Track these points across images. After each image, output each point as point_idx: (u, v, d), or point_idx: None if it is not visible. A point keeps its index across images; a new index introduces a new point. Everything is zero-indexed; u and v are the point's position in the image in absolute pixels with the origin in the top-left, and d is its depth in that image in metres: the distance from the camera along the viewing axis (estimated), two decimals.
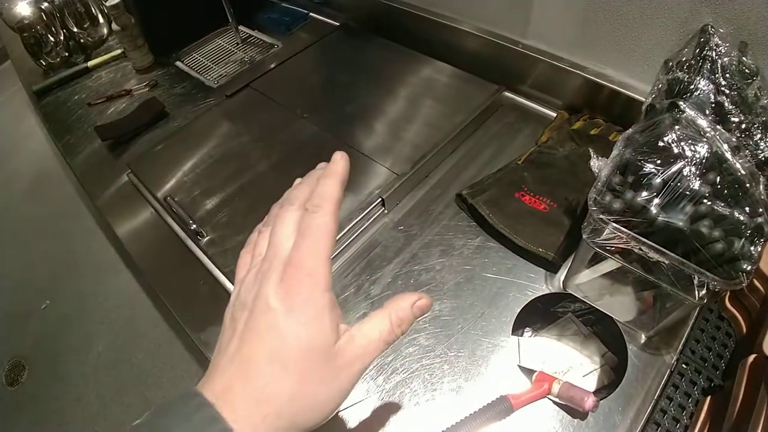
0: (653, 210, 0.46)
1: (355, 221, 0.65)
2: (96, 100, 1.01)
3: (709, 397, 0.51)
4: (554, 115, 0.77)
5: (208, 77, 0.98)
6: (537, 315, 0.60)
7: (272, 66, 0.93)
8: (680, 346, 0.54)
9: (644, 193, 0.47)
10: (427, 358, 0.54)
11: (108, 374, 1.33)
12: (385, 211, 0.68)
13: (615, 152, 0.54)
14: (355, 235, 0.66)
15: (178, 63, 1.04)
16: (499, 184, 0.67)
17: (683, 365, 0.53)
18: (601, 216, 0.48)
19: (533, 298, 0.58)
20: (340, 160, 0.35)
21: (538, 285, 0.59)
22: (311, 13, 1.09)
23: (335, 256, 0.64)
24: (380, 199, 0.66)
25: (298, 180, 0.39)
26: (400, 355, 0.55)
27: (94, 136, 0.90)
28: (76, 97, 1.04)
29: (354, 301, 0.60)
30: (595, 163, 0.56)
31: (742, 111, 0.57)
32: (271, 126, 0.81)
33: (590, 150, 0.56)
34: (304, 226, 0.31)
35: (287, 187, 0.39)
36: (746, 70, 0.59)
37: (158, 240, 0.71)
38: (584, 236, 0.50)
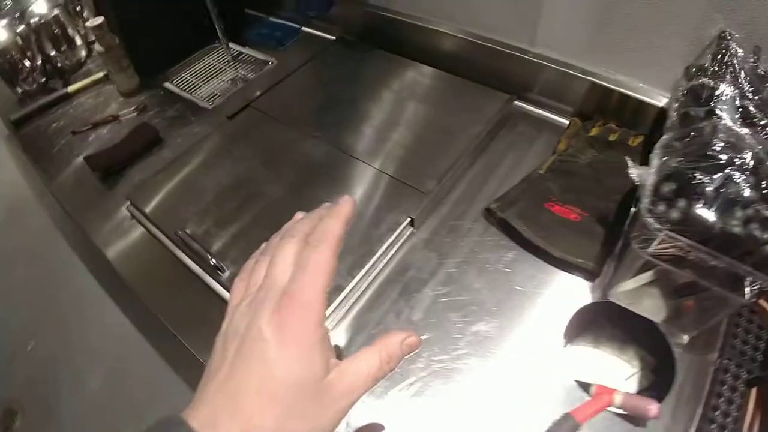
0: (711, 218, 0.44)
1: (386, 243, 0.60)
2: (80, 128, 0.92)
3: (754, 389, 0.51)
4: (566, 122, 0.75)
5: (201, 97, 0.91)
6: (581, 326, 0.57)
7: (272, 84, 0.87)
8: (720, 344, 0.53)
9: (699, 202, 0.45)
10: (480, 382, 0.51)
11: (103, 412, 1.23)
12: (414, 231, 0.64)
13: (656, 161, 0.52)
14: (387, 258, 0.61)
15: (167, 84, 0.96)
16: (527, 195, 0.64)
17: (725, 361, 0.52)
18: (657, 226, 0.46)
19: (578, 309, 0.55)
20: (347, 203, 0.34)
21: (579, 295, 0.56)
22: (303, 28, 1.03)
23: (371, 281, 0.60)
24: (409, 219, 0.62)
25: (299, 214, 0.39)
26: (451, 380, 0.51)
27: (82, 167, 0.82)
28: (56, 125, 0.95)
29: (395, 327, 0.55)
30: (635, 172, 0.53)
31: (765, 114, 0.56)
32: (280, 147, 0.75)
33: (627, 158, 0.54)
34: (303, 259, 0.31)
35: (306, 211, 0.39)
36: (763, 74, 0.59)
37: (171, 279, 0.64)
38: (635, 246, 0.48)
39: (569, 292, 0.57)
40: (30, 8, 1.02)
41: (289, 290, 0.29)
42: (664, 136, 0.55)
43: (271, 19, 1.08)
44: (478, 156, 0.72)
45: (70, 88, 1.01)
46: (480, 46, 0.79)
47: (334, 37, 0.98)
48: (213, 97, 0.91)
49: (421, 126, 0.75)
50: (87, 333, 1.39)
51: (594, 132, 0.70)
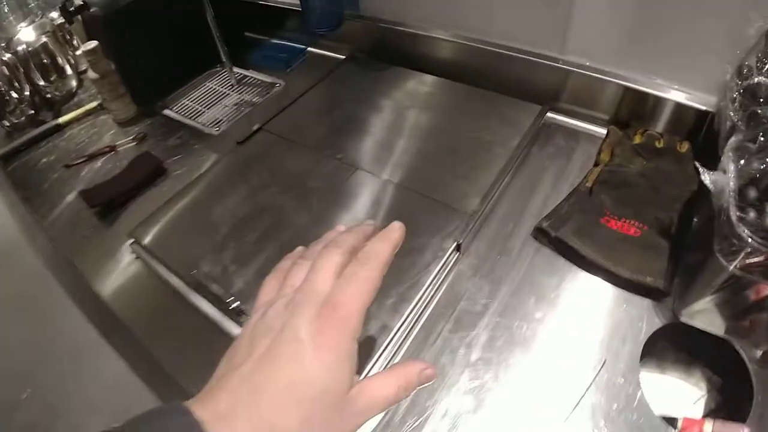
0: None
1: (433, 273, 0.52)
2: (74, 161, 0.83)
3: None
4: (601, 131, 0.69)
5: (205, 124, 0.84)
6: (651, 354, 0.50)
7: (283, 106, 0.80)
8: None
9: None
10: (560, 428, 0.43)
11: None
12: (461, 257, 0.56)
13: (731, 165, 0.46)
14: (434, 289, 0.53)
15: (167, 111, 0.88)
16: (579, 211, 0.57)
17: None
18: (749, 235, 0.39)
19: (651, 334, 0.48)
20: (398, 230, 0.33)
21: (647, 318, 0.49)
22: (309, 48, 0.97)
23: (417, 317, 0.52)
24: (455, 244, 0.54)
25: (341, 227, 0.37)
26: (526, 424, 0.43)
27: (77, 203, 0.73)
28: (47, 159, 0.85)
29: (452, 371, 0.47)
30: (710, 178, 0.47)
31: None
32: (299, 171, 0.67)
33: (696, 164, 0.48)
34: (350, 272, 0.30)
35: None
36: None
37: (183, 326, 0.55)
38: (720, 258, 0.42)
39: (637, 315, 0.49)
40: (17, 36, 0.94)
41: (332, 300, 0.28)
42: (733, 139, 0.49)
43: (273, 41, 1.01)
44: (516, 171, 0.65)
45: (62, 119, 0.92)
46: (506, 56, 0.73)
47: (344, 56, 0.92)
48: (218, 122, 0.83)
49: (453, 142, 0.68)
50: (85, 383, 1.26)
51: (638, 140, 0.64)
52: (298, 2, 0.82)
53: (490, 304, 0.52)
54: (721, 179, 0.47)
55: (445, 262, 0.54)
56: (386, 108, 0.77)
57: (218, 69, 0.94)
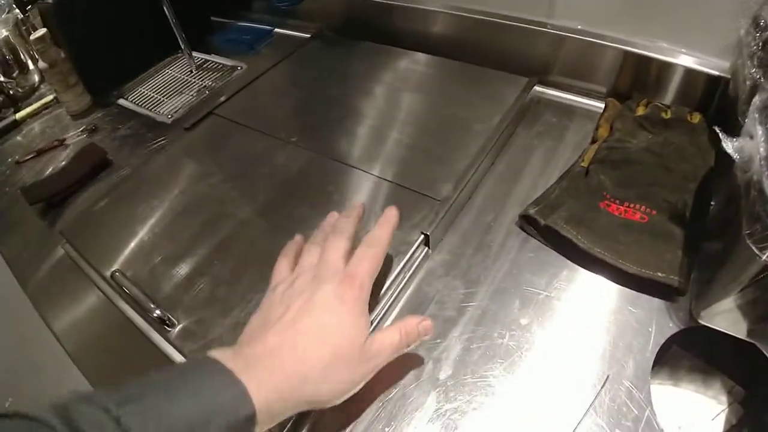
0: None
1: (396, 271, 0.42)
2: (24, 157, 0.74)
3: None
4: (599, 105, 0.58)
5: (160, 112, 0.74)
6: (662, 362, 0.39)
7: (238, 88, 0.70)
8: None
9: None
10: None
11: None
12: (429, 252, 0.45)
13: (759, 129, 0.35)
14: (397, 290, 0.43)
15: (122, 101, 0.78)
16: (574, 194, 0.46)
17: None
18: None
19: (666, 340, 0.37)
20: (394, 215, 0.40)
21: (658, 320, 0.38)
22: (276, 29, 0.86)
23: (377, 324, 0.41)
24: (423, 236, 0.44)
25: (333, 213, 0.43)
26: None
27: (23, 201, 0.64)
28: (9, 160, 0.76)
29: (416, 392, 0.36)
30: (732, 145, 0.37)
31: None
32: (249, 158, 0.57)
33: (716, 130, 0.37)
34: (361, 254, 0.37)
35: (284, 236, 0.43)
36: None
37: (108, 336, 0.45)
38: (753, 246, 0.31)
39: (646, 319, 0.38)
40: None
41: (350, 272, 0.35)
42: (757, 98, 0.38)
43: (240, 23, 0.91)
44: (499, 153, 0.54)
45: (18, 115, 0.83)
46: (487, 23, 0.62)
47: (310, 35, 0.81)
48: (174, 110, 0.73)
49: (426, 121, 0.57)
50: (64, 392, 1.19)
51: (641, 111, 0.53)
52: None
53: (465, 309, 0.41)
54: (748, 145, 0.36)
55: (410, 258, 0.43)
56: (352, 86, 0.66)
57: (180, 55, 0.84)
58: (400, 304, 0.42)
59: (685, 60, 0.53)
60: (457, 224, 0.48)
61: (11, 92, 0.92)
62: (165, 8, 0.75)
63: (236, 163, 0.57)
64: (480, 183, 0.51)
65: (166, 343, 0.41)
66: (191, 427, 0.25)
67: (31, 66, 0.94)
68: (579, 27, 0.57)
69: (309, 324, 0.32)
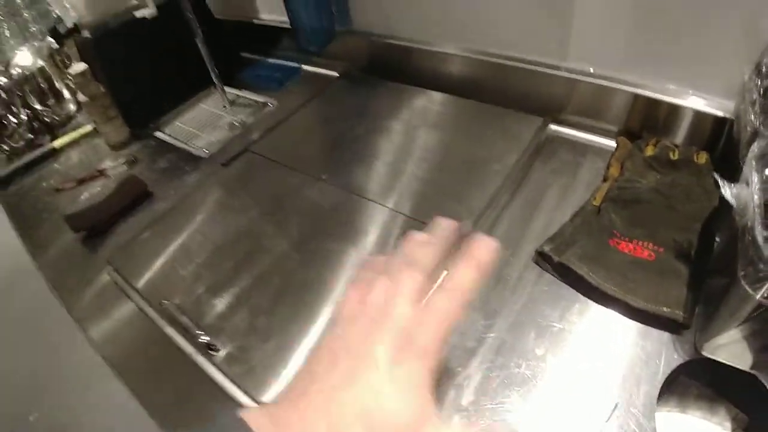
0: None
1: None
2: (64, 185, 0.81)
3: None
4: (611, 143, 0.63)
5: (195, 146, 0.80)
6: (667, 389, 0.43)
7: (271, 126, 0.76)
8: None
9: None
10: None
11: None
12: None
13: (755, 176, 0.40)
14: None
15: (158, 134, 0.85)
16: (585, 232, 0.51)
17: None
18: None
19: (672, 371, 0.41)
20: (491, 252, 0.31)
21: (665, 352, 0.42)
22: (303, 66, 0.94)
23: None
24: (444, 272, 0.48)
25: (418, 235, 0.33)
26: None
27: (66, 228, 0.70)
28: (44, 184, 0.84)
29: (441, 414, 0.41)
30: (730, 191, 0.41)
31: None
32: (282, 194, 0.63)
33: (715, 176, 0.42)
34: (433, 304, 0.29)
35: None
36: None
37: (156, 358, 0.51)
38: (745, 286, 0.35)
39: (654, 351, 0.43)
40: (13, 60, 0.93)
41: (411, 332, 0.27)
42: (755, 145, 0.43)
43: (269, 60, 0.99)
44: (516, 188, 0.59)
45: (57, 143, 0.91)
46: (502, 66, 0.68)
47: (338, 74, 0.88)
48: (209, 144, 0.80)
49: (446, 159, 0.63)
50: (92, 408, 1.24)
51: (650, 152, 0.58)
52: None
53: (485, 339, 0.45)
54: (744, 192, 0.41)
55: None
56: (377, 126, 0.72)
57: (212, 90, 0.91)
58: None
59: (693, 101, 0.58)
60: None
61: (47, 120, 1.00)
62: (199, 45, 0.82)
63: (271, 199, 0.63)
64: (498, 219, 0.56)
65: (212, 366, 0.46)
66: None
67: (66, 95, 1.02)
68: (591, 70, 0.63)
69: (351, 400, 0.26)
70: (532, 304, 0.48)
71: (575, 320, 0.46)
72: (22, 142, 0.95)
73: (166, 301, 0.51)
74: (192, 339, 0.49)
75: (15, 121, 0.94)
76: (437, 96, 0.74)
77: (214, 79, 0.85)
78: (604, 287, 0.45)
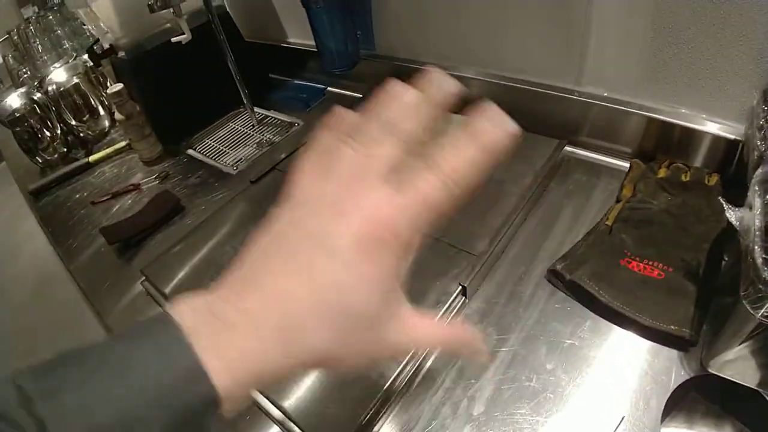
0: None
1: (437, 318, 0.50)
2: (100, 198, 0.88)
3: None
4: (625, 165, 0.66)
5: (225, 163, 0.87)
6: (673, 406, 0.46)
7: (298, 145, 0.82)
8: None
9: None
10: None
11: None
12: (467, 301, 0.54)
13: (758, 201, 0.42)
14: None
15: (190, 151, 0.92)
16: (597, 251, 0.54)
17: None
18: None
19: (676, 387, 0.44)
20: (501, 129, 0.25)
21: (672, 369, 0.45)
22: (329, 88, 1.00)
23: (417, 366, 0.49)
24: (460, 287, 0.52)
25: (405, 91, 0.25)
26: None
27: (100, 239, 0.77)
28: (77, 196, 0.91)
29: (453, 424, 0.44)
30: (735, 215, 0.44)
31: None
32: None
33: (721, 200, 0.44)
34: (417, 188, 0.23)
35: None
36: None
37: None
38: (747, 306, 0.38)
39: (662, 367, 0.45)
40: (49, 77, 1.02)
41: (380, 218, 0.23)
42: (759, 171, 0.46)
43: (296, 81, 1.05)
44: (531, 209, 0.63)
45: (92, 158, 0.99)
46: (521, 90, 0.72)
47: (362, 95, 0.94)
48: (238, 162, 0.86)
49: None
50: None
51: (662, 173, 0.61)
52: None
53: (498, 353, 0.49)
54: (747, 216, 0.44)
55: (449, 307, 0.52)
56: None
57: (242, 110, 0.98)
58: (438, 351, 0.51)
59: (706, 125, 0.60)
60: (491, 276, 0.56)
61: (82, 135, 1.08)
62: (230, 66, 0.88)
63: None
64: (513, 237, 0.60)
65: None
66: (125, 425, 0.19)
67: (101, 111, 1.09)
68: (605, 94, 0.66)
69: (307, 292, 0.22)
70: (544, 320, 0.51)
71: (586, 336, 0.49)
72: (56, 155, 1.04)
73: None
74: None
75: (50, 135, 1.02)
76: (455, 117, 0.78)
77: (244, 99, 0.92)
78: (613, 305, 0.48)
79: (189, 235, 0.69)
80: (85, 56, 1.11)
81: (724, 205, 0.45)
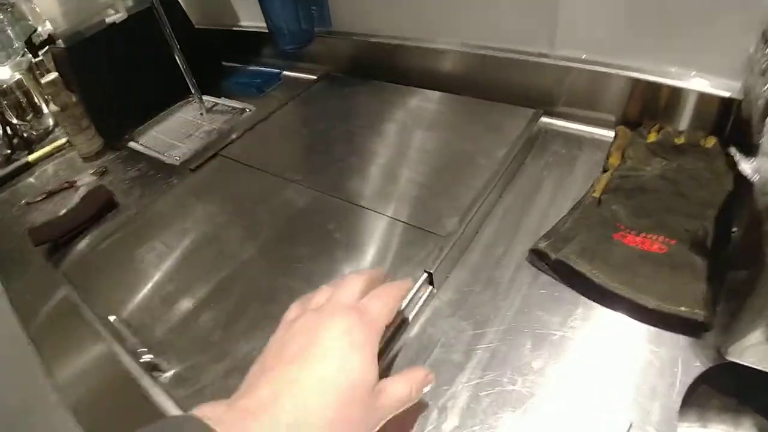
0: None
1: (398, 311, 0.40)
2: (35, 198, 0.76)
3: None
4: (608, 134, 0.56)
5: (168, 154, 0.75)
6: (689, 403, 0.35)
7: (245, 129, 0.70)
8: None
9: None
10: None
11: None
12: (434, 291, 0.43)
13: None
14: (400, 333, 0.40)
15: (132, 144, 0.80)
16: (586, 226, 0.44)
17: None
18: None
19: (695, 379, 0.34)
20: (409, 283, 0.38)
21: (682, 357, 0.35)
22: (284, 72, 0.89)
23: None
24: (426, 274, 0.42)
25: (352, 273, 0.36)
26: None
27: (30, 242, 0.65)
28: (20, 200, 0.77)
29: None
30: (750, 166, 0.35)
31: None
32: (252, 198, 0.57)
33: (731, 154, 0.35)
34: (374, 293, 0.33)
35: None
36: None
37: (104, 382, 0.43)
38: None
39: (670, 358, 0.35)
40: None
41: (359, 307, 0.31)
42: None
43: (250, 67, 0.94)
44: (506, 186, 0.53)
45: (31, 157, 0.86)
46: (488, 58, 0.62)
47: (316, 78, 0.83)
48: (183, 153, 0.74)
49: (429, 156, 0.57)
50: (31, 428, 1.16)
51: (653, 138, 0.51)
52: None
53: (473, 351, 0.38)
54: (766, 165, 0.34)
55: (413, 298, 0.41)
56: (357, 125, 0.66)
57: (190, 99, 0.86)
58: (402, 349, 0.40)
59: (696, 83, 0.51)
60: (464, 261, 0.46)
61: (25, 135, 0.96)
62: (176, 55, 0.78)
63: (239, 203, 0.57)
64: (488, 217, 0.49)
65: (158, 389, 0.39)
66: None
67: (45, 110, 0.97)
68: (583, 56, 0.57)
69: (311, 366, 0.27)
70: (527, 309, 0.40)
71: (578, 326, 0.38)
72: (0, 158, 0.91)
73: (113, 317, 0.45)
74: (135, 357, 0.41)
75: None
76: (424, 93, 0.68)
77: (191, 88, 0.81)
78: (609, 286, 0.38)
79: (115, 231, 0.57)
80: (29, 56, 1.00)
81: (736, 157, 0.35)
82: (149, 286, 0.48)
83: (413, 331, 0.41)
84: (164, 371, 0.39)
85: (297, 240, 0.50)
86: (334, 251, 0.47)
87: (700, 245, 0.40)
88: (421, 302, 0.42)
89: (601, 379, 0.35)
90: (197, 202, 0.58)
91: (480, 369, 0.37)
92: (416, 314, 0.41)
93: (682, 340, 0.36)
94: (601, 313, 0.39)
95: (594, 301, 0.40)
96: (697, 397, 0.36)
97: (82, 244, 0.62)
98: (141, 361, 0.40)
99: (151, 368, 0.40)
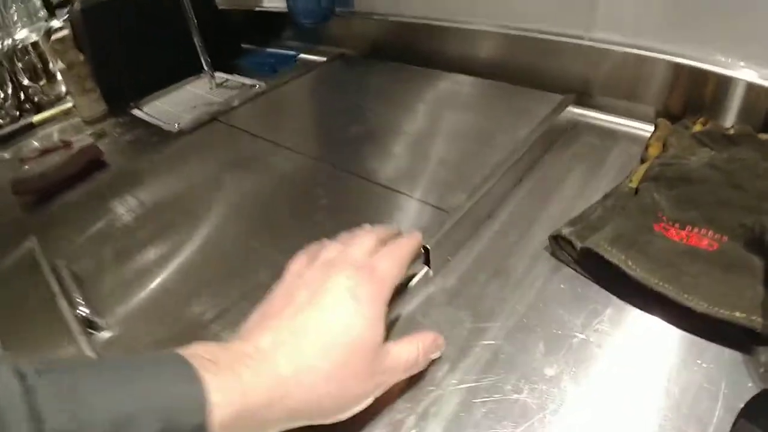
0: None
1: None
2: (29, 156, 0.72)
3: None
4: (648, 128, 0.49)
5: (167, 121, 0.69)
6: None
7: (248, 98, 0.65)
8: None
9: None
10: None
11: None
12: (431, 274, 0.36)
13: None
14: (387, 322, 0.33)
15: (136, 111, 0.75)
16: (621, 214, 0.36)
17: None
18: None
19: (747, 403, 0.25)
20: (417, 237, 0.34)
21: (734, 378, 0.27)
22: (301, 54, 0.84)
23: None
24: (423, 251, 0.34)
25: (367, 226, 0.34)
26: None
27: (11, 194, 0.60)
28: (11, 157, 0.75)
29: None
30: None
31: None
32: (238, 161, 0.51)
33: None
34: (384, 251, 0.30)
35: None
36: None
37: (43, 337, 0.37)
38: None
39: (717, 374, 0.27)
40: (10, 39, 0.87)
41: (369, 264, 0.29)
42: None
43: (269, 50, 0.90)
44: (527, 170, 0.45)
45: (35, 119, 0.82)
46: (519, 39, 0.55)
47: (326, 59, 0.77)
48: (182, 120, 0.69)
49: (444, 134, 0.50)
50: None
51: (698, 129, 0.44)
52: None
53: (471, 348, 0.30)
54: None
55: (405, 280, 0.34)
56: (366, 100, 0.60)
57: (202, 75, 0.82)
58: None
59: (746, 74, 0.44)
60: (470, 246, 0.38)
61: (36, 99, 0.93)
62: (192, 32, 0.74)
63: (222, 166, 0.51)
64: (503, 202, 0.42)
65: (89, 346, 0.32)
66: (114, 424, 0.19)
67: (59, 77, 0.95)
68: (620, 39, 0.50)
69: (314, 320, 0.25)
70: (542, 305, 0.32)
71: (604, 330, 0.30)
72: (8, 119, 0.87)
73: (64, 268, 0.38)
74: (74, 311, 0.35)
75: (2, 95, 0.87)
76: (443, 75, 0.61)
77: (204, 65, 0.76)
78: (649, 282, 0.30)
79: (94, 189, 0.52)
80: (54, 22, 0.98)
81: None
82: (112, 240, 0.42)
83: (400, 319, 0.33)
84: (99, 330, 0.33)
85: (279, 206, 0.44)
86: (325, 221, 0.41)
87: (758, 243, 0.32)
88: (413, 286, 0.34)
89: (630, 396, 0.27)
90: (181, 163, 0.53)
91: (476, 371, 0.29)
92: (405, 297, 0.34)
93: (728, 354, 0.28)
94: (634, 317, 0.31)
95: (627, 301, 0.32)
96: (739, 429, 0.28)
97: (62, 199, 0.57)
98: (79, 315, 0.34)
99: (87, 324, 0.33)
